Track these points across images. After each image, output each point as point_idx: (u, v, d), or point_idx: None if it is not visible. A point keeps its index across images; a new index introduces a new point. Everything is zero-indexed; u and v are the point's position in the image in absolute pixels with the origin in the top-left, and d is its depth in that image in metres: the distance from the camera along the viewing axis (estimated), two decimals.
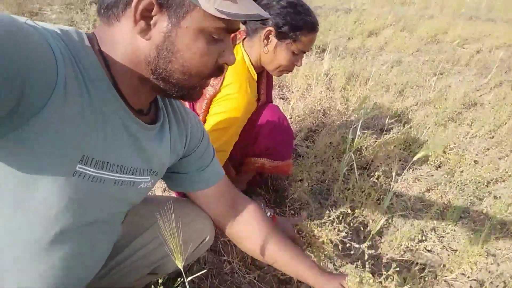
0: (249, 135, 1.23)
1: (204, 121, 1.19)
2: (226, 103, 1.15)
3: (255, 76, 1.26)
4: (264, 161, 1.34)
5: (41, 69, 0.46)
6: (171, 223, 0.60)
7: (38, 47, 0.47)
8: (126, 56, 0.59)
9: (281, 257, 0.89)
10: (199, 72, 0.60)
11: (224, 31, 0.59)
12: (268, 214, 1.22)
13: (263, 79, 1.38)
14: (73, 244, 0.63)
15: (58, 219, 0.58)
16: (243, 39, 1.30)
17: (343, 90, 2.82)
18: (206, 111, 1.18)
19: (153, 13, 0.55)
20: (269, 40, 1.19)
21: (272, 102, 1.57)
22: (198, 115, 1.19)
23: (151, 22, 0.56)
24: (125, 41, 0.58)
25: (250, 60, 1.25)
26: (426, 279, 1.31)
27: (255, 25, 1.20)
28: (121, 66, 0.59)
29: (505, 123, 2.55)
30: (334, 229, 1.34)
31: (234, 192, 0.93)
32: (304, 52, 1.25)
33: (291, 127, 1.48)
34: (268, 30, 1.16)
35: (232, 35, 1.32)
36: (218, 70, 0.64)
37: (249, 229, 0.90)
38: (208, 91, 1.16)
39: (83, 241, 0.65)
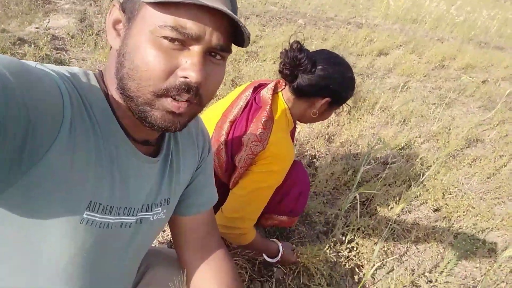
0: (276, 193, 1.20)
1: (241, 174, 1.16)
2: (274, 162, 1.13)
3: (291, 127, 1.26)
4: (284, 219, 1.34)
5: (47, 111, 0.46)
6: None
7: (46, 89, 0.47)
8: (112, 78, 0.57)
9: None
10: (147, 79, 0.51)
11: (177, 33, 0.50)
12: None
13: None
14: None
15: (69, 268, 0.58)
16: (282, 89, 1.25)
17: (348, 113, 2.84)
18: (250, 165, 1.15)
19: (122, 22, 0.55)
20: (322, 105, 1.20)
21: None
22: (236, 168, 1.16)
23: (121, 31, 0.55)
24: (111, 60, 0.57)
25: (290, 111, 1.23)
26: None
27: (306, 89, 1.17)
28: (113, 94, 0.58)
29: (505, 165, 2.59)
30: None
31: (214, 227, 0.85)
32: None
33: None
34: (326, 100, 1.18)
35: (275, 81, 1.25)
36: (182, 88, 0.52)
37: (208, 277, 0.79)
38: (255, 145, 1.11)
39: None
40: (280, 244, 1.40)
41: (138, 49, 0.51)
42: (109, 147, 0.57)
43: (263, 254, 1.40)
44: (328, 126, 2.60)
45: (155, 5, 0.50)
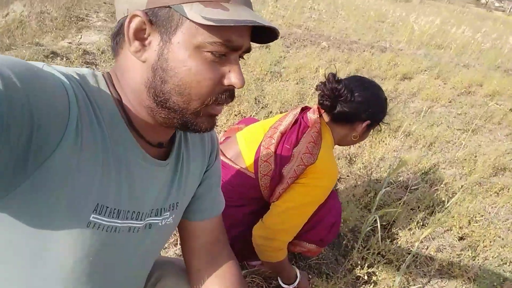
0: (310, 219, 1.21)
1: (289, 185, 1.17)
2: (324, 178, 1.17)
3: (333, 148, 1.32)
4: (312, 247, 1.31)
5: (52, 111, 0.46)
6: None
7: (52, 90, 0.47)
8: (132, 86, 0.57)
9: None
10: (197, 94, 0.54)
11: (223, 47, 0.53)
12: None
13: None
14: None
15: (75, 272, 0.57)
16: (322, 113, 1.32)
17: (371, 136, 2.81)
18: (298, 176, 1.17)
19: (146, 32, 0.53)
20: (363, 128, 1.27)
21: None
22: (284, 178, 1.17)
23: (146, 42, 0.54)
24: (129, 68, 0.56)
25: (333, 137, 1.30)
26: None
27: (348, 116, 1.25)
28: (131, 100, 0.58)
29: None
30: None
31: (222, 235, 0.85)
32: None
33: None
34: (367, 123, 1.25)
35: (317, 106, 1.30)
36: (226, 94, 0.57)
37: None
38: (307, 157, 1.15)
39: None
40: (298, 272, 1.37)
41: (184, 64, 0.52)
42: (117, 150, 0.57)
43: (279, 279, 1.37)
44: (350, 147, 2.57)
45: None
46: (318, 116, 1.26)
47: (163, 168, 0.66)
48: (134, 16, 0.52)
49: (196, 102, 0.55)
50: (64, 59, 2.66)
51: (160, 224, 0.70)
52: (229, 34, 0.52)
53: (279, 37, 0.57)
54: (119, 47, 0.57)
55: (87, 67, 2.87)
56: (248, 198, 1.24)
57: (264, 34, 0.58)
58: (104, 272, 0.62)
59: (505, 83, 4.98)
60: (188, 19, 0.51)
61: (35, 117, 0.43)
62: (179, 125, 0.59)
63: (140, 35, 0.53)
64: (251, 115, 2.64)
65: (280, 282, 1.37)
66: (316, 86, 1.29)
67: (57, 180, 0.49)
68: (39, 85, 0.45)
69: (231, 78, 0.56)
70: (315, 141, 1.18)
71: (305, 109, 1.33)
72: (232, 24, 0.50)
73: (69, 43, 3.12)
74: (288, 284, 1.36)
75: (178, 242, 1.51)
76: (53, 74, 0.50)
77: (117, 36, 0.56)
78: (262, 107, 2.82)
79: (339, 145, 1.36)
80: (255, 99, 2.88)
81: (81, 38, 3.28)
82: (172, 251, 1.48)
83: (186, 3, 0.51)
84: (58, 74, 0.51)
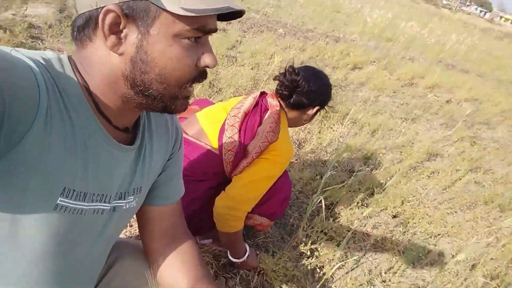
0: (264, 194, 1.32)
1: (253, 160, 1.28)
2: (283, 155, 1.31)
3: None
4: (264, 221, 1.42)
5: (23, 97, 0.46)
6: None
7: (22, 75, 0.47)
8: (104, 76, 0.57)
9: None
10: (178, 80, 0.57)
11: (199, 32, 0.55)
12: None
13: None
14: (57, 279, 0.64)
15: (42, 253, 0.59)
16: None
17: (320, 123, 2.96)
18: (262, 152, 1.29)
19: (121, 26, 0.53)
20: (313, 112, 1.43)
21: None
22: (248, 154, 1.28)
23: (122, 35, 0.54)
24: (101, 60, 0.56)
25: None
26: None
27: (303, 103, 1.38)
28: (100, 87, 0.58)
29: (460, 179, 2.78)
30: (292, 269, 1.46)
31: (181, 219, 0.88)
32: None
33: None
34: (317, 108, 1.41)
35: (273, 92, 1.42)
36: (200, 76, 0.60)
37: (178, 275, 0.79)
38: (270, 135, 1.28)
39: (68, 276, 0.66)
40: (247, 247, 1.47)
41: (164, 54, 0.54)
42: (84, 135, 0.58)
43: (228, 254, 1.46)
44: (299, 133, 2.69)
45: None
46: (278, 101, 1.39)
47: (129, 153, 0.68)
48: (109, 11, 0.52)
49: (175, 88, 0.58)
50: (8, 32, 2.52)
51: (124, 208, 0.72)
52: (205, 20, 0.55)
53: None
54: (87, 39, 0.56)
55: (32, 42, 2.74)
56: (211, 173, 1.33)
57: (230, 14, 0.60)
58: (70, 252, 0.64)
59: (445, 77, 5.38)
60: (168, 11, 0.52)
61: (6, 103, 0.43)
62: (158, 109, 0.61)
63: (114, 29, 0.53)
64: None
65: (230, 257, 1.46)
66: (275, 76, 1.41)
67: (26, 165, 0.50)
68: (9, 71, 0.45)
69: (206, 60, 0.58)
70: (276, 121, 1.31)
71: (263, 94, 1.44)
72: (212, 13, 0.52)
73: (13, 14, 2.93)
74: (238, 258, 1.45)
75: (128, 227, 1.55)
76: (21, 60, 0.50)
77: (84, 28, 0.55)
78: (216, 91, 2.86)
79: (290, 126, 1.50)
80: (210, 82, 2.92)
81: (26, 10, 3.10)
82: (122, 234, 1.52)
83: None
84: (26, 59, 0.51)
